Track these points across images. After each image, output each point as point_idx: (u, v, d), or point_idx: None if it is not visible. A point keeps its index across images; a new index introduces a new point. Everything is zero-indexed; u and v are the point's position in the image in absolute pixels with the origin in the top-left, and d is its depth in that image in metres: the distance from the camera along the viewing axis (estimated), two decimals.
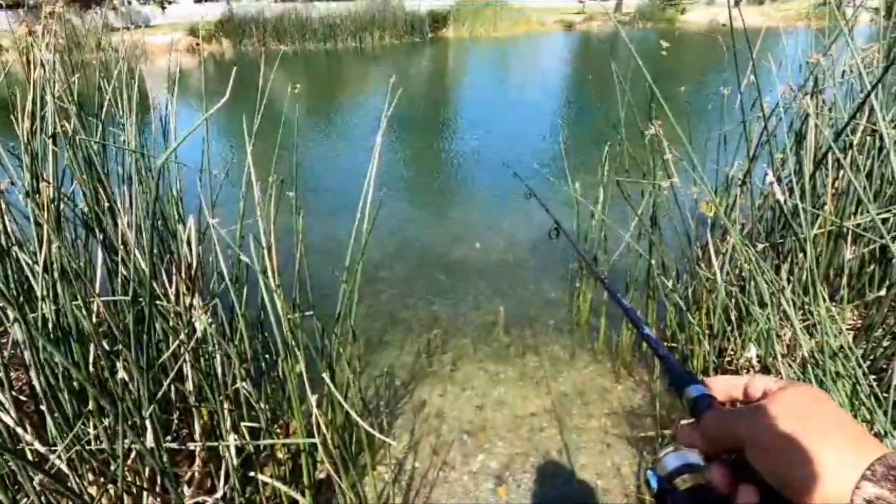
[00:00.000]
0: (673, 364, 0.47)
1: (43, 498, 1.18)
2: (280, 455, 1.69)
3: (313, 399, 1.33)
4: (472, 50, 16.36)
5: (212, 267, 1.71)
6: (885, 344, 1.78)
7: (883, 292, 1.80)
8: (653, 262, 2.27)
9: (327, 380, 1.42)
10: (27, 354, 1.23)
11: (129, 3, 17.23)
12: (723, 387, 0.42)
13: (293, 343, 1.49)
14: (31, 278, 1.43)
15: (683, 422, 0.43)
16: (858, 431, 0.33)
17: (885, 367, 1.71)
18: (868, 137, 2.06)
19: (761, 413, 0.36)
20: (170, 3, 18.39)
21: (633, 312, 0.58)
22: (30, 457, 1.26)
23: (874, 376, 1.56)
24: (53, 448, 1.27)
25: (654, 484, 0.53)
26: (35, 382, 1.26)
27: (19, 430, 1.23)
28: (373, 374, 2.38)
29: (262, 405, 1.53)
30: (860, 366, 1.46)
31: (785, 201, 1.59)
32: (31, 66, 1.45)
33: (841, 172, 2.07)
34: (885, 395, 1.43)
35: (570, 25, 20.41)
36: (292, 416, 1.67)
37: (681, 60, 10.61)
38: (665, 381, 2.21)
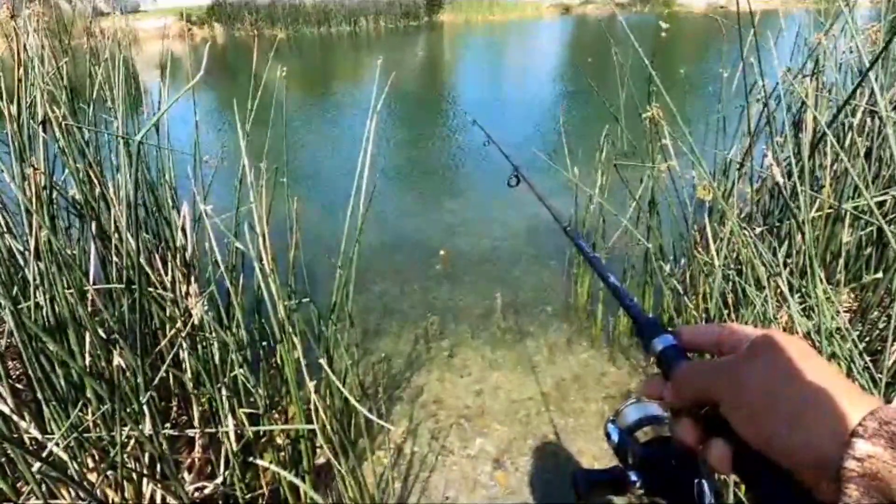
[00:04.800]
0: (639, 314, 0.44)
1: (43, 486, 1.19)
2: (279, 441, 1.69)
3: (311, 385, 1.33)
4: (468, 34, 16.16)
5: (207, 254, 1.69)
6: (881, 326, 1.79)
7: (879, 275, 1.80)
8: (650, 246, 2.27)
9: (325, 366, 1.42)
10: (20, 342, 1.22)
11: None
12: (693, 337, 0.39)
13: (290, 329, 1.49)
14: (23, 267, 1.41)
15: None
16: (847, 385, 0.30)
17: (880, 348, 1.72)
18: (868, 119, 2.05)
19: (741, 367, 0.32)
20: None
21: (596, 261, 0.55)
22: (28, 445, 1.26)
23: (870, 357, 1.56)
24: (51, 436, 1.27)
25: (614, 437, 0.50)
26: (29, 371, 1.25)
27: (15, 418, 1.22)
28: (371, 360, 2.38)
29: (261, 391, 1.53)
30: (856, 346, 1.47)
31: (783, 184, 1.59)
32: (18, 51, 1.42)
33: (840, 155, 2.06)
34: (880, 375, 1.44)
35: (566, 9, 20.19)
36: (291, 402, 1.67)
37: (678, 44, 10.52)
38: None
